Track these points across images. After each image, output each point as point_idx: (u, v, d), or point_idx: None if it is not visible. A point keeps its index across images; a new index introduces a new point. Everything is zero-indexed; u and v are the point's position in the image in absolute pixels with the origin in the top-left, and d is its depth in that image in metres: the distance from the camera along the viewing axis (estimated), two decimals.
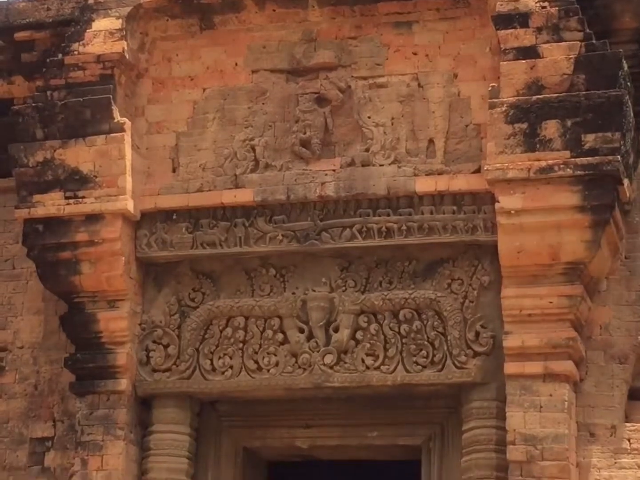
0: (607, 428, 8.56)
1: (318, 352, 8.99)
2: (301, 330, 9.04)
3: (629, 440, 8.52)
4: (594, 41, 8.38)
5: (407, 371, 8.82)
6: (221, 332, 9.19)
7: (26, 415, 9.67)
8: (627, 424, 8.56)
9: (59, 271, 9.25)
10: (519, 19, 8.55)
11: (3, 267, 10.09)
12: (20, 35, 9.84)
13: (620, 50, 8.42)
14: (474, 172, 8.76)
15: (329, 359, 8.95)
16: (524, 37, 8.50)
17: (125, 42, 9.31)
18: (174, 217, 9.31)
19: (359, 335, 8.94)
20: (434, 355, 8.79)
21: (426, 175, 8.87)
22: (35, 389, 9.71)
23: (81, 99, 9.23)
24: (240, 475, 9.49)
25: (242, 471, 9.52)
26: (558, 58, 8.38)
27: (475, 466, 8.53)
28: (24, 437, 9.63)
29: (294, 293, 9.11)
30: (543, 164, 8.31)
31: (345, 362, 8.94)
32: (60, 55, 9.36)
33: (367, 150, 9.00)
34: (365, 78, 9.15)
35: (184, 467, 9.19)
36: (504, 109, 8.44)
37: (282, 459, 9.91)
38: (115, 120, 9.18)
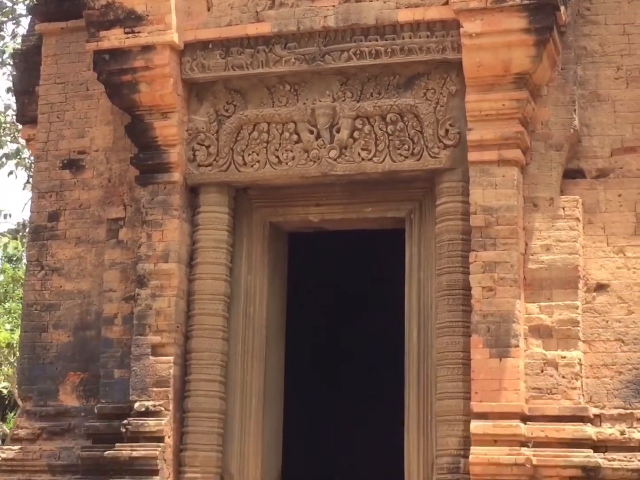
0: (546, 200, 8.84)
1: (324, 148, 9.20)
2: (311, 132, 9.25)
3: (563, 209, 8.83)
4: None
5: (393, 161, 9.08)
6: (249, 135, 9.39)
7: (103, 202, 9.94)
8: (562, 197, 8.86)
9: (123, 91, 9.35)
10: None
11: (79, 89, 10.21)
12: None
13: None
14: (443, 4, 8.82)
15: (333, 153, 9.18)
16: None
17: None
18: (210, 46, 9.33)
19: (355, 134, 9.16)
20: (413, 149, 9.03)
21: (406, 7, 8.95)
22: (109, 181, 9.91)
23: None
24: (267, 243, 9.77)
25: (269, 240, 9.80)
26: None
27: (446, 231, 8.90)
28: (102, 219, 9.89)
29: (304, 103, 9.24)
30: None
31: (346, 156, 9.16)
32: None
33: None
34: None
35: (225, 237, 9.47)
36: None
37: (298, 230, 10.16)
38: None
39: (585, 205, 8.96)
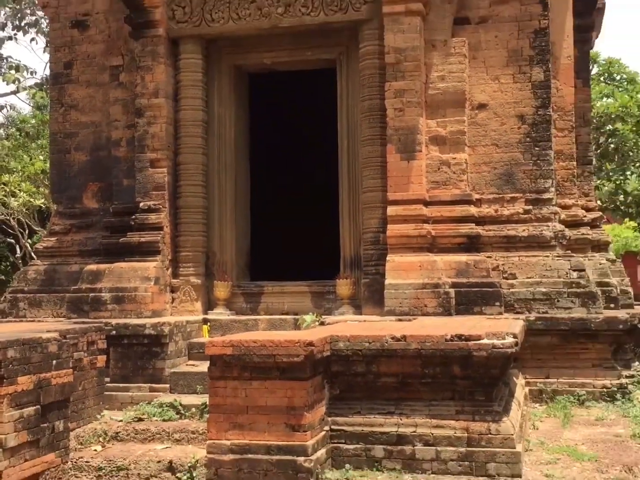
0: (441, 41, 9.28)
1: (273, 6, 9.58)
2: None
3: (454, 48, 9.19)
4: None
5: (326, 14, 9.52)
6: None
7: (106, 53, 10.10)
8: (453, 39, 9.21)
9: None
10: None
11: None
12: None
13: None
14: None
15: (280, 10, 9.58)
16: None
17: None
18: None
19: None
20: (341, 4, 9.35)
21: None
22: (109, 37, 10.05)
23: None
24: (233, 82, 10.21)
25: (234, 79, 10.23)
26: None
27: (367, 67, 9.28)
28: (105, 66, 10.11)
29: None
30: None
31: (290, 12, 9.54)
32: None
33: None
34: None
35: (200, 78, 9.82)
36: None
37: (257, 71, 10.50)
38: None
39: (470, 44, 9.47)
